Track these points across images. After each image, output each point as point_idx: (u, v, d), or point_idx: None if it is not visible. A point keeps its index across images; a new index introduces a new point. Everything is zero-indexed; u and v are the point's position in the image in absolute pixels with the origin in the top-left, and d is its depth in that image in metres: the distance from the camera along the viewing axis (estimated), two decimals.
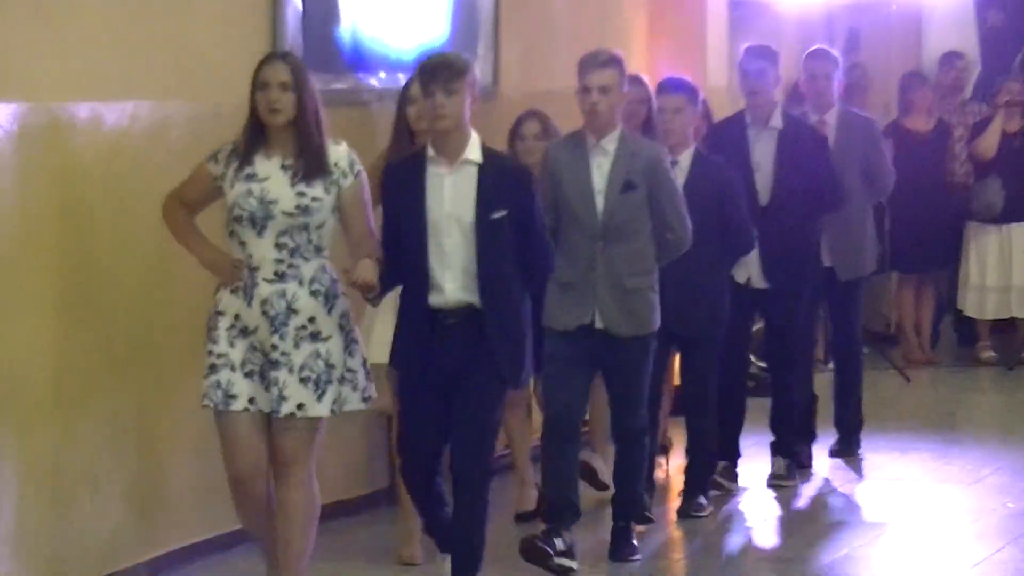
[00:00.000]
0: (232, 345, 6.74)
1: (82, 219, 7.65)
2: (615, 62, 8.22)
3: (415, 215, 7.09)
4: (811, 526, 9.51)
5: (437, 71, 7.14)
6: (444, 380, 7.06)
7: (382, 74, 9.95)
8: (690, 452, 9.18)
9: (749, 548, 9.41)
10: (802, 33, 14.97)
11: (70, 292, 7.58)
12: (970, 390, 13.49)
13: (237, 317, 6.73)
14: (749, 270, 9.72)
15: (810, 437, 10.22)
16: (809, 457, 10.29)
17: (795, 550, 9.05)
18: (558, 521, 7.96)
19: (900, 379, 13.08)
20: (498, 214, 7.05)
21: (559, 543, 7.84)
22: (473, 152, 7.13)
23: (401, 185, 7.22)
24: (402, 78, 9.75)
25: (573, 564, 7.90)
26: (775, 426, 9.78)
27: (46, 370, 7.39)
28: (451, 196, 7.10)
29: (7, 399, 7.06)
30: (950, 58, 14.76)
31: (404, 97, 8.63)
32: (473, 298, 7.03)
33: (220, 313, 6.76)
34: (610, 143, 8.12)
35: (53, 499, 7.37)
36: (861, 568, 8.71)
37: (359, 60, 9.78)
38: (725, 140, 9.73)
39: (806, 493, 10.05)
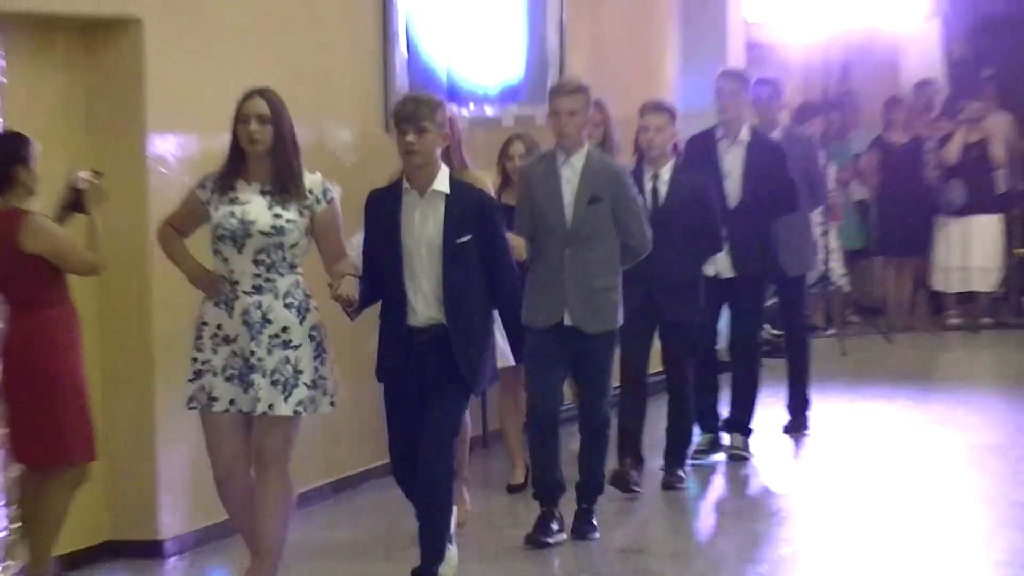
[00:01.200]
0: (215, 352, 6.35)
1: None
2: (582, 89, 7.74)
3: (392, 241, 6.64)
4: (815, 465, 9.65)
5: (407, 111, 6.70)
6: (420, 391, 6.61)
7: (472, 105, 9.90)
8: (671, 428, 8.77)
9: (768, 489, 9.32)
10: (805, 68, 15.38)
11: None
12: (941, 349, 13.93)
13: (220, 327, 6.33)
14: (717, 264, 9.35)
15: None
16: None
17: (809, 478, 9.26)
18: (548, 500, 7.63)
19: (885, 342, 13.46)
20: (463, 239, 6.62)
21: (554, 526, 7.58)
22: (441, 184, 6.63)
23: (381, 212, 6.76)
24: (488, 109, 10.15)
25: (563, 537, 7.64)
26: (739, 405, 9.34)
27: None
28: (421, 223, 6.64)
29: None
30: (923, 85, 15.25)
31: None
32: (442, 317, 6.58)
33: (204, 323, 6.38)
34: (578, 160, 7.73)
35: None
36: (870, 487, 8.83)
37: (453, 94, 9.60)
38: (699, 151, 9.41)
39: (810, 441, 10.05)
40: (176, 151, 7.50)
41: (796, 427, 10.05)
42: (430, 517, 6.50)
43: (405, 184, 6.49)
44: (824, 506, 8.58)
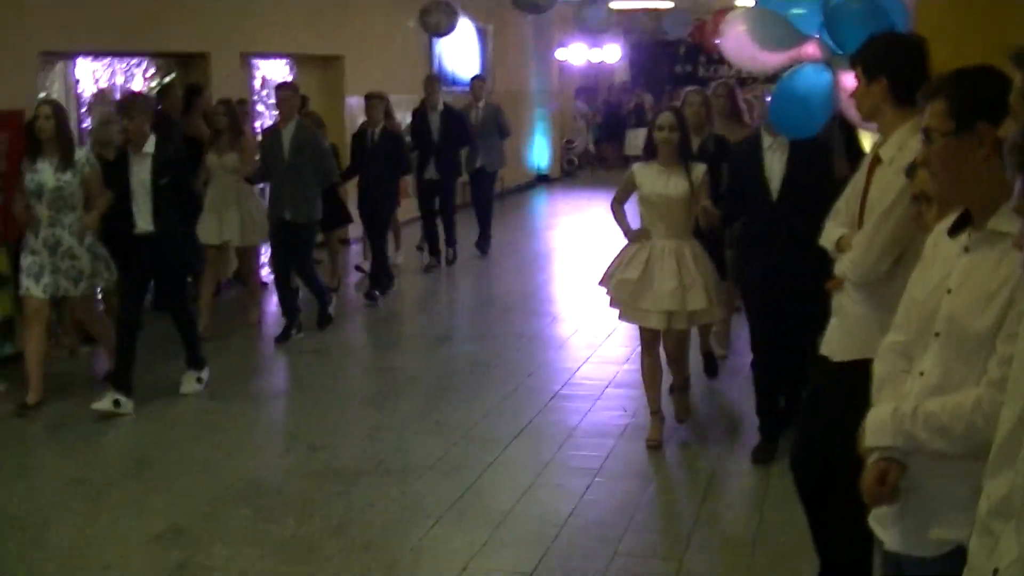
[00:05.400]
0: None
1: None
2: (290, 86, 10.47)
3: (123, 184, 8.27)
4: None
5: (121, 105, 8.76)
6: (144, 272, 8.42)
7: (455, 86, 18.18)
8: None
9: None
10: None
11: None
12: None
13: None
14: (431, 172, 13.67)
15: None
16: None
17: None
18: (291, 318, 10.42)
19: None
20: (163, 180, 8.23)
21: (294, 330, 10.40)
22: (149, 147, 8.22)
23: (118, 168, 8.33)
24: (459, 89, 17.42)
25: (301, 335, 10.42)
26: None
27: None
28: (138, 171, 8.25)
29: None
30: None
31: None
32: (151, 228, 8.24)
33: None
34: (291, 126, 10.20)
35: None
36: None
37: (452, 81, 18.23)
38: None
39: None
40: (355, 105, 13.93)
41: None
42: (185, 328, 8.70)
43: (130, 147, 8.29)
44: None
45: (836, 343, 4.74)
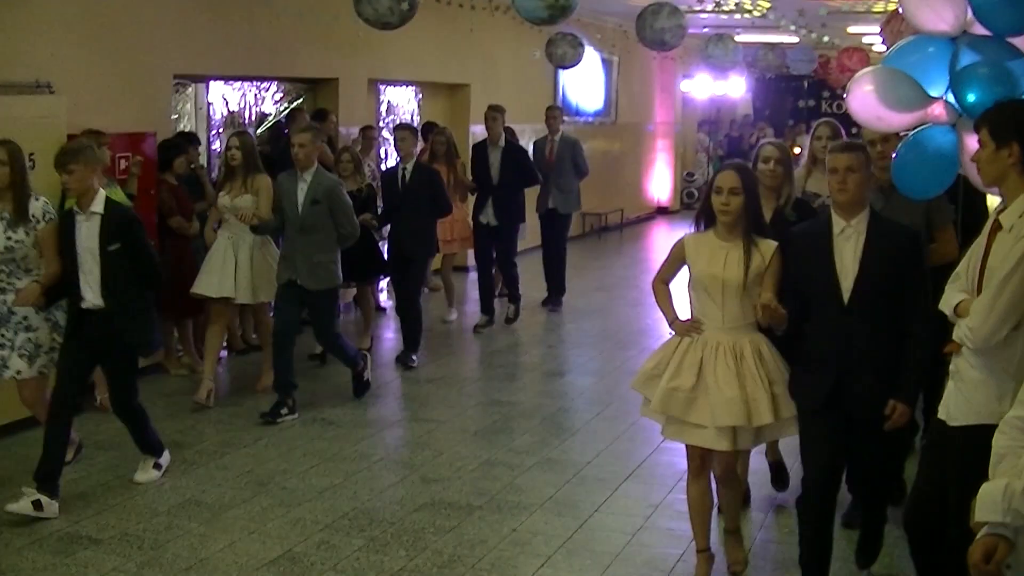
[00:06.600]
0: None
1: None
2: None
3: (69, 248, 6.88)
4: None
5: (58, 157, 6.87)
6: (91, 351, 7.04)
7: (580, 118, 18.44)
8: None
9: None
10: None
11: None
12: None
13: None
14: (488, 215, 12.34)
15: None
16: None
17: None
18: (284, 392, 8.88)
19: None
20: (113, 246, 6.85)
21: (284, 409, 8.81)
22: (98, 206, 6.83)
23: (63, 229, 6.93)
24: (589, 120, 18.66)
25: (293, 417, 8.88)
26: None
27: None
28: (86, 235, 6.85)
29: None
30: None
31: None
32: (100, 302, 6.88)
33: None
34: (308, 175, 8.71)
35: None
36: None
37: (576, 113, 18.49)
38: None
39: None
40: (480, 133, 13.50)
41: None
42: (136, 428, 7.39)
43: (76, 207, 6.90)
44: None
45: (953, 407, 4.72)
